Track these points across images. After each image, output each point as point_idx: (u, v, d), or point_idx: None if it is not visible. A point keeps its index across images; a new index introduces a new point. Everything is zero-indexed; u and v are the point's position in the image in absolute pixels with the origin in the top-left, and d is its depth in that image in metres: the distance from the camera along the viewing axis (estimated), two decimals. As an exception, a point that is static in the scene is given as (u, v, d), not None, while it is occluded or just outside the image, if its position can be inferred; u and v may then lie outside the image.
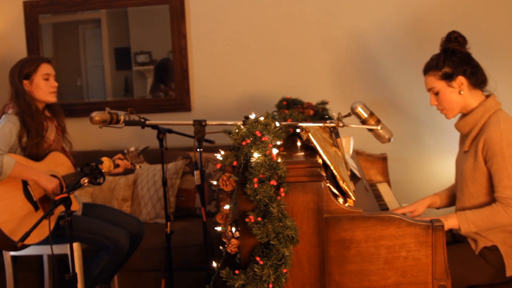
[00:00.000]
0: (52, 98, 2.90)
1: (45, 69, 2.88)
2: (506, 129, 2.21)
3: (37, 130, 2.80)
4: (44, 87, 2.86)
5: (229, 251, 1.93)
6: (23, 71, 2.84)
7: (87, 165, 2.34)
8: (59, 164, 2.86)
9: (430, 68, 2.36)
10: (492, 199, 2.24)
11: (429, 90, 2.39)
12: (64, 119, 3.04)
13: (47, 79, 2.87)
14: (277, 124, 2.10)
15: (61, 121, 3.01)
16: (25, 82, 2.84)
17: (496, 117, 2.26)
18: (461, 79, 2.30)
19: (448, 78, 2.31)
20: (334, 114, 2.69)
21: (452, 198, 2.59)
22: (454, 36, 2.34)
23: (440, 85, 2.33)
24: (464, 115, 2.40)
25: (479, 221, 2.20)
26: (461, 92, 2.31)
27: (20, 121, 2.77)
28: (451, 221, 2.21)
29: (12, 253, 3.03)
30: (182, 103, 4.04)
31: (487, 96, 2.34)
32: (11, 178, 2.62)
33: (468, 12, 3.69)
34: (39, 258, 3.41)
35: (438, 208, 2.64)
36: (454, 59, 2.30)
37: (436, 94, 2.36)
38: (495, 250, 2.26)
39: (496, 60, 3.61)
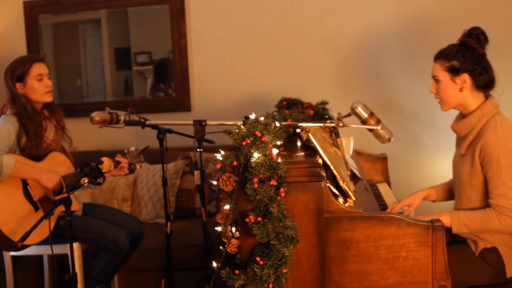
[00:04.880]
0: (48, 98, 2.85)
1: (38, 69, 2.82)
2: (503, 136, 2.19)
3: (36, 132, 2.77)
4: (38, 88, 2.81)
5: (229, 251, 1.93)
6: (15, 73, 2.79)
7: (87, 165, 2.33)
8: (59, 164, 2.86)
9: (441, 55, 2.33)
10: (488, 204, 2.24)
11: (433, 77, 2.36)
12: (63, 117, 3.02)
13: (40, 80, 2.82)
14: (277, 124, 2.10)
15: (60, 120, 2.99)
16: (19, 85, 2.80)
17: (493, 123, 2.23)
18: (465, 77, 2.27)
19: (454, 72, 2.28)
20: (334, 114, 2.69)
21: (448, 193, 2.59)
22: (476, 32, 2.28)
23: (443, 76, 2.31)
24: (461, 117, 2.38)
25: (471, 224, 2.20)
26: (462, 90, 2.29)
27: (18, 121, 2.75)
28: (443, 219, 2.20)
29: (12, 253, 3.03)
30: (182, 103, 4.04)
31: (486, 97, 2.31)
32: (11, 177, 2.62)
33: (470, 12, 3.68)
34: (39, 258, 3.41)
35: (433, 201, 2.63)
36: (466, 55, 2.26)
37: (438, 83, 2.34)
38: (495, 252, 2.26)
39: (499, 60, 3.60)
